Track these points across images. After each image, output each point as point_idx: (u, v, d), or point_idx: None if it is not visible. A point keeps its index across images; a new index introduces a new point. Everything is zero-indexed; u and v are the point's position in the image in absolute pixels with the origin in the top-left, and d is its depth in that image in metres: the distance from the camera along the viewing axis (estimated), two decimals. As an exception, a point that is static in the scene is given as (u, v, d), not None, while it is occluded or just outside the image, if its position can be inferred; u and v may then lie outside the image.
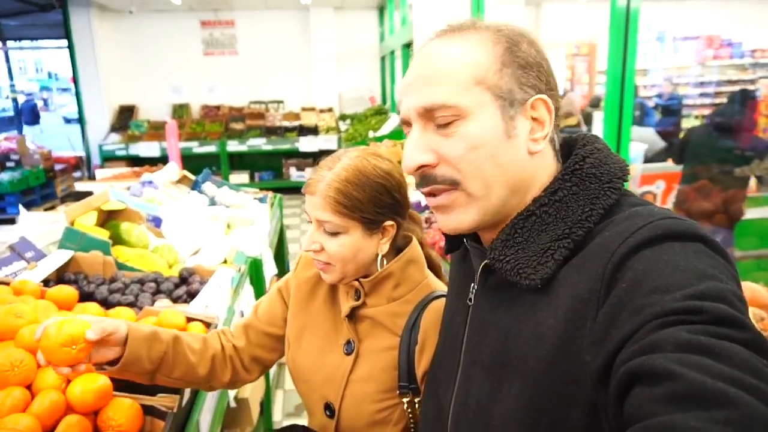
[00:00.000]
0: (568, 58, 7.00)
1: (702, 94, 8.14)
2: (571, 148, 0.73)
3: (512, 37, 0.68)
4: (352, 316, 1.05)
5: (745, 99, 3.48)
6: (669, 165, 4.61)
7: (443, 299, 0.98)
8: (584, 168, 0.67)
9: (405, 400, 0.99)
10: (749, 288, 1.45)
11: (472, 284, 0.78)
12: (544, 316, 0.63)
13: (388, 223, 1.00)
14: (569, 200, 0.66)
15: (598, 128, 2.49)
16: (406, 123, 0.72)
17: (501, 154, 0.66)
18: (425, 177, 0.70)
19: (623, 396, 0.50)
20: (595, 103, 5.88)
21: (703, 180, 2.71)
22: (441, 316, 0.95)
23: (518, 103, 0.67)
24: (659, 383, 0.46)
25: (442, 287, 1.06)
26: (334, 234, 0.98)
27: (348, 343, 1.04)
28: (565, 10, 8.60)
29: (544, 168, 0.70)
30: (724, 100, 8.05)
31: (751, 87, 7.63)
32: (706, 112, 8.07)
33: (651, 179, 3.94)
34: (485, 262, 0.73)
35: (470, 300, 0.77)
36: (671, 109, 6.45)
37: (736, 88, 8.11)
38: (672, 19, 8.60)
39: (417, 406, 0.99)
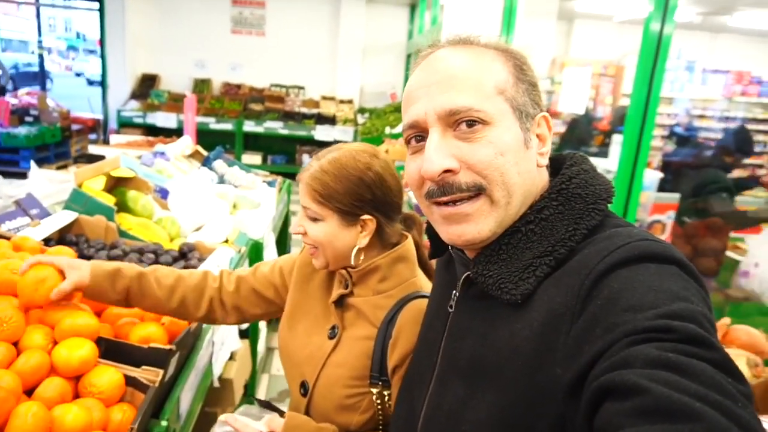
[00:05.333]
0: (594, 77, 6.93)
1: (725, 129, 8.03)
2: (559, 166, 0.74)
3: (519, 57, 0.71)
4: (341, 303, 1.10)
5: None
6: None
7: (425, 300, 1.01)
8: (570, 188, 0.68)
9: (374, 390, 1.02)
10: (747, 332, 1.43)
11: (454, 292, 0.78)
12: (520, 327, 0.64)
13: (366, 217, 1.04)
14: (554, 219, 0.67)
15: (615, 151, 2.47)
16: (415, 127, 0.70)
17: (522, 163, 0.68)
18: (447, 184, 0.67)
19: (594, 410, 0.50)
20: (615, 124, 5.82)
21: (714, 217, 2.68)
22: (419, 314, 0.98)
23: (530, 117, 0.69)
24: (628, 397, 0.47)
25: (429, 288, 1.08)
26: (314, 220, 1.06)
27: (333, 328, 1.09)
28: (596, 28, 8.52)
29: (541, 182, 0.72)
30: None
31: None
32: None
33: (663, 209, 3.89)
34: (468, 273, 0.73)
35: (451, 307, 0.78)
36: (690, 140, 6.35)
37: (762, 126, 8.02)
38: (704, 50, 8.50)
39: (387, 399, 1.02)
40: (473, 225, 0.68)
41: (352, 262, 1.06)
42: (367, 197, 1.03)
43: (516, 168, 0.66)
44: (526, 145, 0.68)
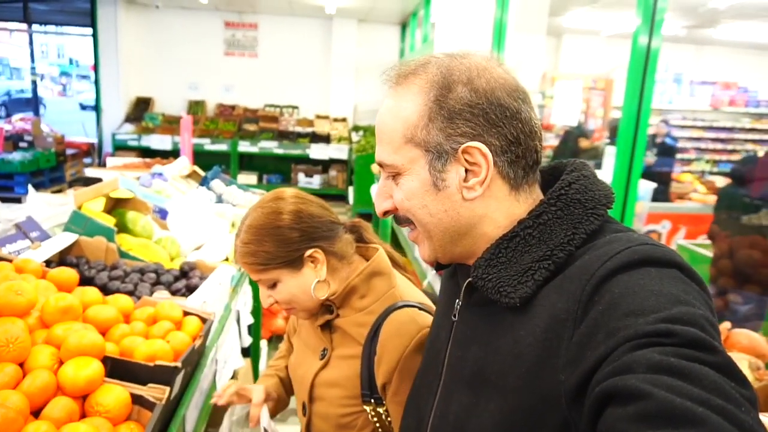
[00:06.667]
0: (585, 91, 7.02)
1: (714, 139, 8.14)
2: (560, 173, 0.74)
3: (445, 83, 0.68)
4: (329, 326, 1.13)
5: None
6: (676, 205, 4.60)
7: (405, 309, 1.03)
8: (569, 194, 0.69)
9: (367, 408, 1.04)
10: (748, 336, 1.44)
11: (457, 301, 0.79)
12: (523, 334, 0.64)
13: (308, 252, 1.06)
14: (553, 224, 0.67)
15: (609, 163, 2.50)
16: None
17: (432, 206, 0.71)
18: (396, 217, 0.77)
19: (597, 416, 0.51)
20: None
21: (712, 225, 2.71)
22: (400, 326, 1.00)
23: (448, 154, 0.69)
24: (631, 402, 0.47)
25: (412, 296, 1.10)
26: (272, 286, 1.09)
27: (324, 350, 1.13)
28: (585, 43, 8.66)
29: (495, 207, 0.71)
30: (737, 146, 8.07)
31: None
32: (717, 157, 8.07)
33: (657, 218, 3.92)
34: (469, 279, 0.75)
35: (454, 316, 0.79)
36: (673, 150, 6.42)
37: (750, 135, 8.13)
38: (690, 62, 8.65)
39: (384, 416, 1.03)
40: (420, 248, 0.77)
41: (314, 296, 1.08)
42: (296, 236, 1.05)
43: (425, 210, 0.72)
44: (437, 187, 0.69)
